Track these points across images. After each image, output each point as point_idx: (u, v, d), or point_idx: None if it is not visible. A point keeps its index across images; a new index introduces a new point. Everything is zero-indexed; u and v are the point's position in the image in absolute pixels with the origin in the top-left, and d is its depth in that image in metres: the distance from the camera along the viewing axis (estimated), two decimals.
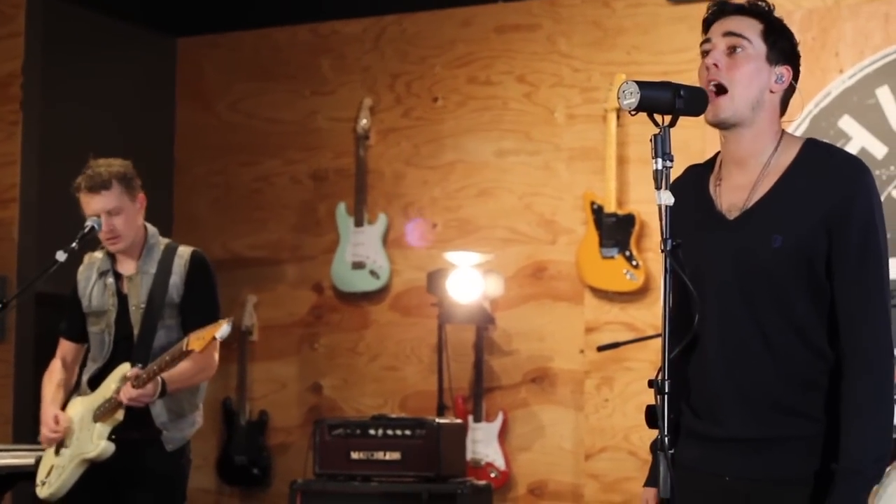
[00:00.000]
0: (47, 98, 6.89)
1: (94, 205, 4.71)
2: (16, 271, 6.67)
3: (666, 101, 2.68)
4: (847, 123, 6.19)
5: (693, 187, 2.94)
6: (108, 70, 7.29)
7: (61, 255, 4.70)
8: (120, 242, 4.75)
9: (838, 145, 6.04)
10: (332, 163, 7.36)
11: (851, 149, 6.14)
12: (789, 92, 2.89)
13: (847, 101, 6.20)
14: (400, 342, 7.12)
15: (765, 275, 2.77)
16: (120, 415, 4.61)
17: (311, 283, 7.35)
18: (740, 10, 2.86)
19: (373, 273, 7.13)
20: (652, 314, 6.48)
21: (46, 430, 4.73)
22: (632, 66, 6.63)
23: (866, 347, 2.73)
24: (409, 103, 7.21)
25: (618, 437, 6.53)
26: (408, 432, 5.76)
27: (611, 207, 6.58)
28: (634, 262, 6.54)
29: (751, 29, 2.84)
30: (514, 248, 6.90)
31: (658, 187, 2.66)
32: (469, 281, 6.64)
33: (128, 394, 4.53)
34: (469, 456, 6.51)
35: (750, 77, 2.82)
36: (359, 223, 7.17)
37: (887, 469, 4.18)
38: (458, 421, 6.13)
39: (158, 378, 4.53)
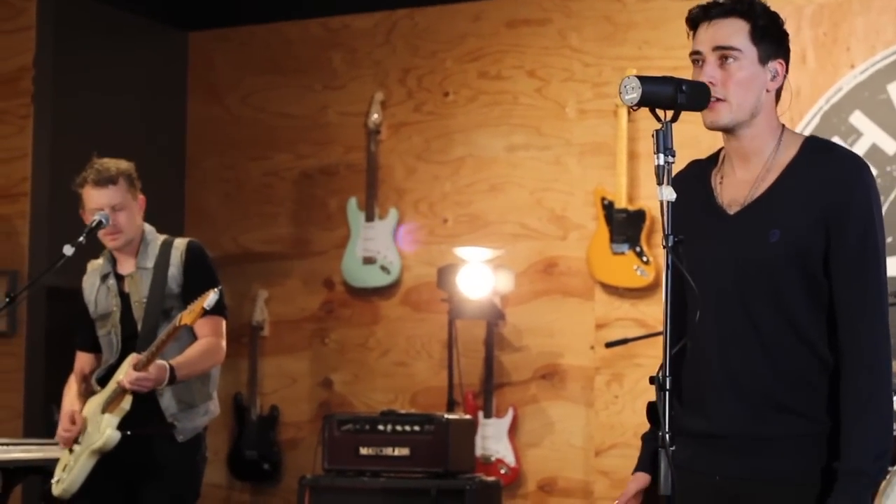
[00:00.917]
0: (59, 92, 6.88)
1: (100, 199, 4.72)
2: (27, 266, 6.67)
3: (668, 97, 2.67)
4: (858, 119, 6.15)
5: (695, 182, 2.94)
6: (119, 64, 7.28)
7: (69, 249, 4.73)
8: (121, 238, 4.77)
9: (849, 141, 6.10)
10: (343, 157, 7.35)
11: (863, 145, 6.11)
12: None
13: (858, 96, 6.16)
14: (410, 338, 7.11)
15: (762, 270, 2.77)
16: (126, 403, 4.60)
17: (322, 279, 7.34)
18: (724, 12, 2.82)
19: (383, 268, 7.12)
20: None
21: (61, 430, 4.75)
22: (642, 60, 6.61)
23: (865, 345, 2.73)
24: (420, 98, 7.20)
25: (628, 434, 6.50)
26: (417, 428, 5.75)
27: (621, 203, 6.55)
28: (645, 258, 6.52)
29: (738, 35, 2.80)
30: (525, 244, 6.89)
31: (660, 183, 2.66)
32: (479, 276, 6.62)
33: (129, 377, 4.53)
34: (479, 452, 6.51)
35: (746, 85, 2.81)
36: (369, 218, 7.15)
37: (894, 468, 4.16)
38: (468, 417, 6.12)
39: (166, 364, 4.54)
